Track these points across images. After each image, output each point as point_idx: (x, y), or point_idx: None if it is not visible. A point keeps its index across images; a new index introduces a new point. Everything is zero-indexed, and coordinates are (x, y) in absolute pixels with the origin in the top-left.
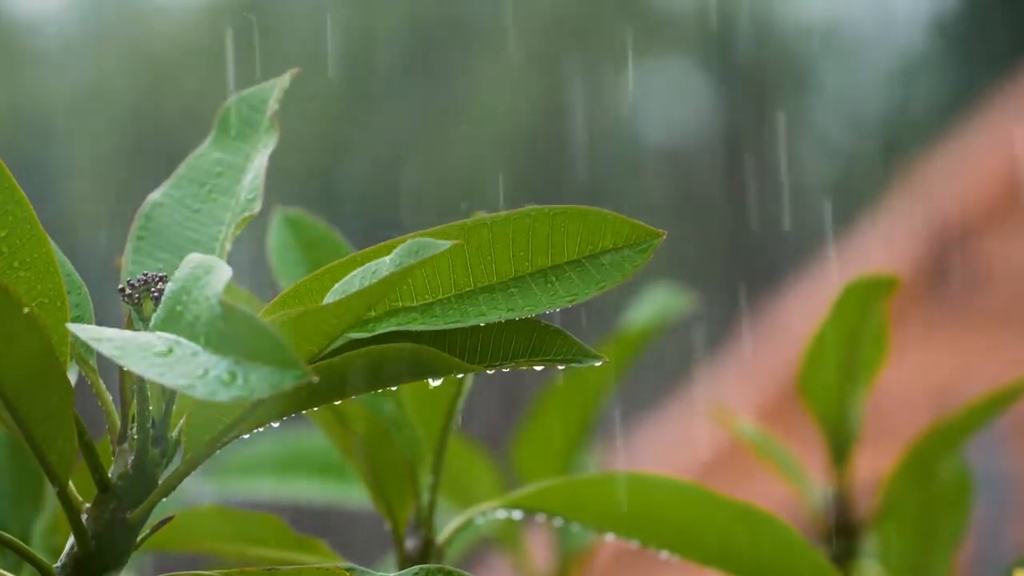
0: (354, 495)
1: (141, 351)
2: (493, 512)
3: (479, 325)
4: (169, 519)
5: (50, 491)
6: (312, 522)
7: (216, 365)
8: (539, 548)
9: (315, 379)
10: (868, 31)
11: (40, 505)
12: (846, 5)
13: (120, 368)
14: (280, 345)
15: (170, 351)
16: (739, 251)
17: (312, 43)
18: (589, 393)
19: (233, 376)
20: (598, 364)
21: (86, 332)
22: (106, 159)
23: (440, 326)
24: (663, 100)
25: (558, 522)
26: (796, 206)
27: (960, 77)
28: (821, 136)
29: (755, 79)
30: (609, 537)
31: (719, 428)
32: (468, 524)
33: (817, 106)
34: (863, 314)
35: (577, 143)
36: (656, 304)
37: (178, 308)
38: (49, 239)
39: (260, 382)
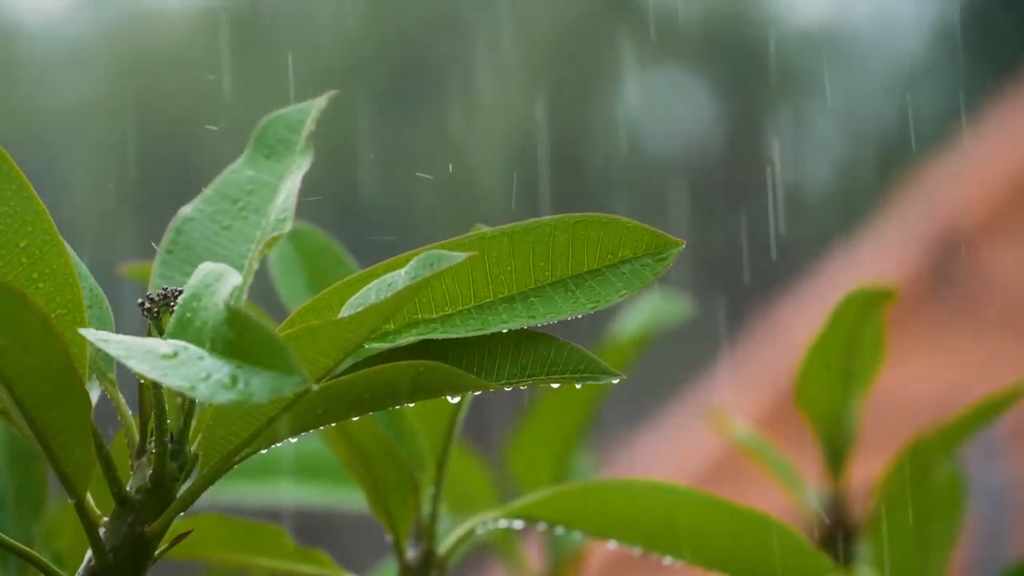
0: (349, 498)
1: (147, 353)
2: (495, 522)
3: (496, 343)
4: (187, 534)
5: (51, 497)
6: (304, 522)
7: (219, 369)
8: (533, 550)
9: (314, 387)
10: (869, 37)
11: (40, 512)
12: (847, 11)
13: (139, 382)
14: (282, 351)
15: (175, 354)
16: (739, 257)
17: (312, 49)
18: (584, 397)
19: (234, 380)
20: (615, 381)
21: (95, 335)
22: (108, 166)
23: (461, 334)
24: (663, 108)
25: (560, 531)
26: (797, 212)
27: (962, 83)
28: (822, 142)
29: (755, 85)
30: (611, 544)
31: (717, 434)
32: (469, 534)
33: (818, 112)
34: (860, 324)
35: (577, 151)
36: (651, 310)
37: (187, 315)
38: (69, 250)
39: (260, 387)
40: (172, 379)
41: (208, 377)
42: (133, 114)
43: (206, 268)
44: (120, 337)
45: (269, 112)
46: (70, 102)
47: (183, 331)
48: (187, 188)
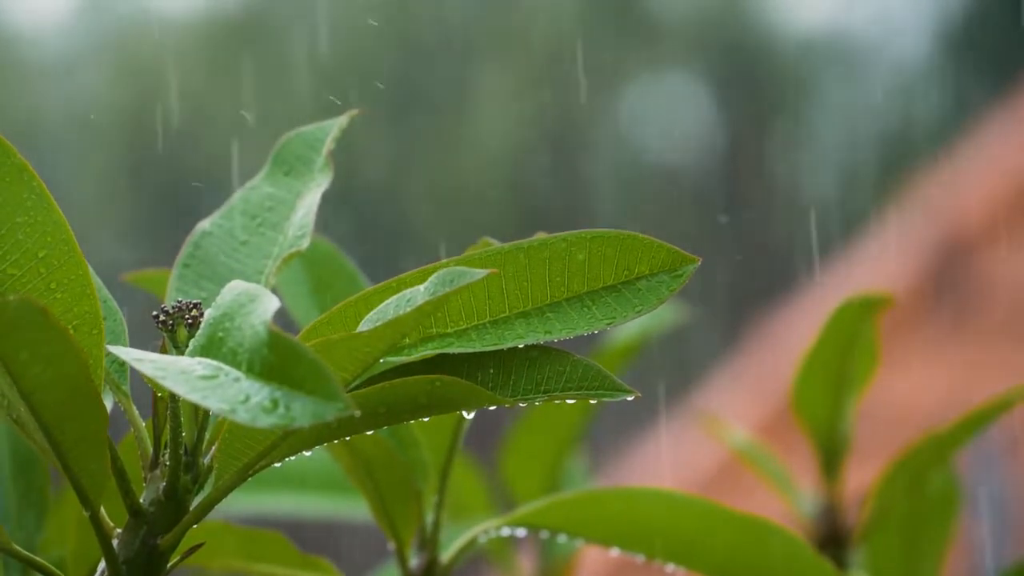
0: (351, 507)
1: (183, 374)
2: (497, 530)
3: (511, 358)
4: (199, 546)
5: (52, 504)
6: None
7: (258, 392)
8: (524, 555)
9: (357, 413)
10: (870, 44)
11: (43, 520)
12: (847, 18)
13: (153, 394)
14: (325, 376)
15: (214, 376)
16: (739, 265)
17: (311, 56)
18: (579, 403)
19: (275, 404)
20: (630, 398)
21: (128, 354)
22: (106, 173)
23: (477, 348)
24: (662, 115)
25: (562, 538)
26: (797, 220)
27: (961, 90)
28: (822, 150)
29: (756, 93)
30: (614, 552)
31: (714, 441)
32: (472, 542)
33: (818, 120)
34: (855, 330)
35: (575, 159)
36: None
37: (220, 335)
38: (86, 261)
39: (302, 412)
40: (211, 401)
41: (247, 400)
42: (132, 121)
43: (238, 287)
44: (154, 356)
45: (268, 119)
46: (69, 107)
47: (214, 351)
48: (186, 195)
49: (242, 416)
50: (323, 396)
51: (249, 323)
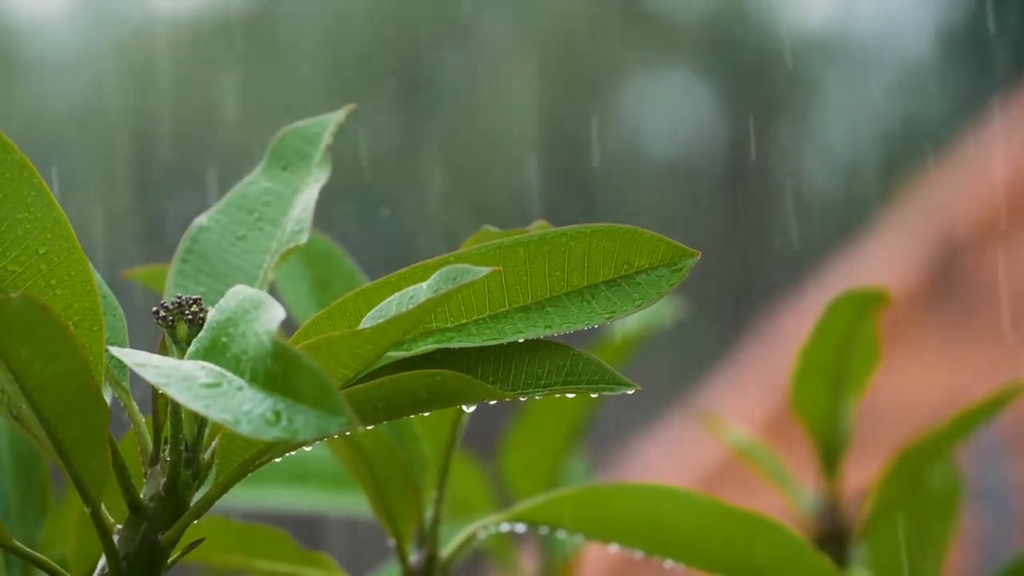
0: (351, 502)
1: (186, 381)
2: (496, 526)
3: (511, 352)
4: (200, 541)
5: (53, 502)
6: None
7: (261, 403)
8: (526, 553)
9: (361, 428)
10: (872, 43)
11: (44, 517)
12: (850, 17)
13: (153, 391)
14: (328, 389)
15: (217, 384)
16: (741, 263)
17: (311, 54)
18: (578, 400)
19: (278, 416)
20: (631, 392)
21: (131, 357)
22: (105, 171)
23: (477, 343)
24: (665, 111)
25: (562, 534)
26: (799, 218)
27: (964, 89)
28: (824, 148)
29: (758, 91)
30: (614, 548)
31: (715, 439)
32: (472, 538)
33: (820, 118)
34: (852, 326)
35: (578, 155)
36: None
37: (223, 340)
38: (86, 258)
39: (304, 425)
40: (214, 411)
41: (250, 411)
42: (132, 117)
43: (242, 292)
44: (157, 361)
45: (268, 118)
46: (69, 104)
47: (217, 356)
48: (186, 191)
49: (244, 428)
50: (326, 410)
51: (253, 331)
